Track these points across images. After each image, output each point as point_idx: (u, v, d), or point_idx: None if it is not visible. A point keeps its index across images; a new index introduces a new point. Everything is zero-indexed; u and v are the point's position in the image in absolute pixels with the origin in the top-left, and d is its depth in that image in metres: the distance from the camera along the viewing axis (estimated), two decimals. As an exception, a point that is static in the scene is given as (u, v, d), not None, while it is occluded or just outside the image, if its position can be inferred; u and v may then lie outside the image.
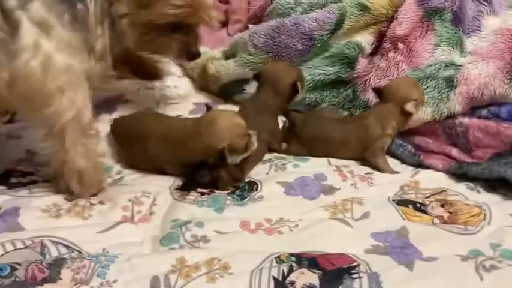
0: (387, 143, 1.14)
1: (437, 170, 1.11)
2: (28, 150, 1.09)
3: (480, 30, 1.25)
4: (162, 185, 1.00)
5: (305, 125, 1.15)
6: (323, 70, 1.27)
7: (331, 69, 1.26)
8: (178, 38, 1.06)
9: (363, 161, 1.13)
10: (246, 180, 1.03)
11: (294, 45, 1.27)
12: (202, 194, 0.98)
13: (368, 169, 1.10)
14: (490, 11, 1.27)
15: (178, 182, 1.00)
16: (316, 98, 1.29)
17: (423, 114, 1.18)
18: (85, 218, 0.91)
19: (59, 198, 0.95)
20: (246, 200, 0.97)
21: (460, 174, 1.08)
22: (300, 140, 1.14)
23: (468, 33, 1.26)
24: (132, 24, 1.01)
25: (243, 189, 1.00)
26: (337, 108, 1.27)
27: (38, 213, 0.90)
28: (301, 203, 0.98)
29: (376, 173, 1.09)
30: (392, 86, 1.16)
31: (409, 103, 1.12)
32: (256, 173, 1.06)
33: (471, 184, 1.06)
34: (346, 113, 1.26)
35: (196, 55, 1.12)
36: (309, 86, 1.27)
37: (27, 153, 1.08)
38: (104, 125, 1.13)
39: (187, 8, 1.00)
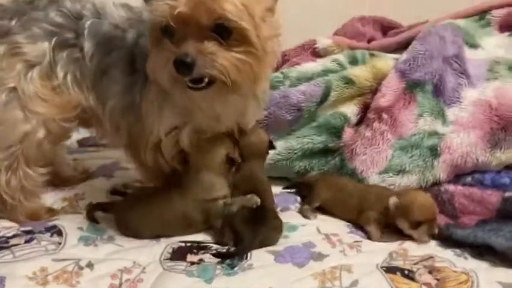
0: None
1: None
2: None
3: (460, 101, 1.30)
4: (153, 255, 1.00)
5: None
6: (311, 139, 1.31)
7: (319, 139, 1.31)
8: (164, 49, 0.92)
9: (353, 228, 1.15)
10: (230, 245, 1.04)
11: (283, 116, 1.32)
12: (192, 263, 0.98)
13: (357, 237, 1.11)
14: (469, 83, 1.32)
15: (168, 250, 1.01)
16: (306, 166, 1.33)
17: (409, 182, 1.22)
18: (73, 285, 0.90)
19: (46, 261, 0.94)
20: (235, 269, 0.96)
21: (447, 241, 1.09)
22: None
23: (449, 104, 1.30)
24: None
25: (233, 258, 1.00)
26: (326, 175, 1.31)
27: (24, 282, 0.89)
28: (291, 271, 0.97)
29: (365, 240, 1.10)
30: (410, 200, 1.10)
31: (392, 199, 1.10)
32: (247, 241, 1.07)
33: (458, 250, 1.07)
34: (335, 180, 1.29)
35: (182, 57, 0.88)
36: (298, 154, 1.32)
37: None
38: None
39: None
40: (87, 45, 1.07)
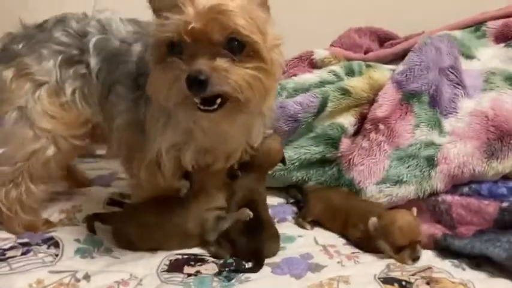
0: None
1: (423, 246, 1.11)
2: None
3: (457, 112, 1.30)
4: (149, 267, 1.00)
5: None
6: (308, 150, 1.32)
7: (316, 149, 1.32)
8: (173, 67, 0.88)
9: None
10: (234, 259, 1.04)
11: (280, 126, 1.32)
12: (189, 275, 0.97)
13: (354, 249, 1.11)
14: (465, 93, 1.33)
15: (165, 262, 1.01)
16: (303, 176, 1.33)
17: (406, 192, 1.22)
18: (69, 297, 0.90)
19: (42, 273, 0.94)
20: (232, 281, 0.96)
21: (445, 251, 1.09)
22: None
23: (445, 115, 1.31)
24: None
25: (230, 270, 1.00)
26: (324, 186, 1.31)
27: (21, 295, 0.89)
28: (288, 283, 0.97)
29: (362, 251, 1.10)
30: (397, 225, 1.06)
31: (372, 220, 1.07)
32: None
33: (456, 261, 1.07)
34: (332, 191, 1.29)
35: (194, 74, 0.83)
36: (295, 164, 1.32)
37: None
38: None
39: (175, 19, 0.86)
40: (93, 62, 1.07)
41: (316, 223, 1.21)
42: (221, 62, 0.84)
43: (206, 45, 0.85)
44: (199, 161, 1.05)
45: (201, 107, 0.86)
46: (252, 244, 1.04)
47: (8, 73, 1.06)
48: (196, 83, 0.83)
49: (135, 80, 1.05)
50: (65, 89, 1.07)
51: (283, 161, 1.22)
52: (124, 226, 1.07)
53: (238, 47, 0.86)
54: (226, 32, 0.85)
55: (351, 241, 1.14)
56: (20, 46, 1.08)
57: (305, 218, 1.21)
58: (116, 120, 1.07)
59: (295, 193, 1.35)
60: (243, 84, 0.85)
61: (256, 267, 1.01)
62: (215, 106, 0.86)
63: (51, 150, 1.06)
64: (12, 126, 1.05)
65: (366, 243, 1.10)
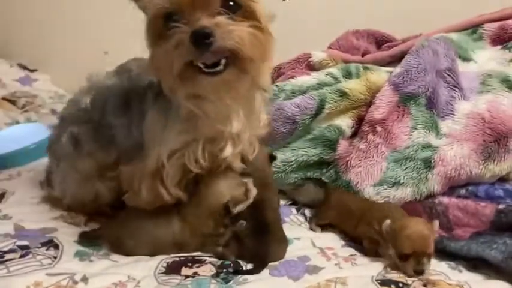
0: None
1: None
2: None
3: (453, 114, 1.31)
4: (147, 269, 1.00)
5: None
6: (306, 152, 1.32)
7: (314, 151, 1.32)
8: (175, 34, 0.87)
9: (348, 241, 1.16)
10: (232, 260, 1.04)
11: (278, 128, 1.33)
12: (187, 276, 0.98)
13: (352, 251, 1.12)
14: (462, 96, 1.33)
15: (163, 264, 1.01)
16: (301, 178, 1.33)
17: (404, 194, 1.22)
18: (67, 300, 0.90)
19: (40, 275, 0.94)
20: (230, 283, 0.96)
21: (441, 253, 1.09)
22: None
23: (442, 117, 1.31)
24: None
25: (228, 272, 1.00)
26: (321, 187, 1.31)
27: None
28: (286, 285, 0.98)
29: (359, 253, 1.10)
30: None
31: (386, 222, 1.04)
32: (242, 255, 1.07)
33: (453, 263, 1.07)
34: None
35: (199, 31, 0.83)
36: (293, 166, 1.32)
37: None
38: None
39: None
40: (96, 115, 1.12)
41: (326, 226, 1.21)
42: (222, 19, 0.85)
43: (204, 7, 0.85)
44: (208, 157, 1.02)
45: (206, 70, 0.86)
46: (257, 246, 1.04)
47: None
48: (202, 37, 0.82)
49: (124, 107, 1.07)
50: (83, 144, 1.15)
51: (272, 158, 1.22)
52: (118, 234, 1.07)
53: (235, 7, 0.87)
54: None
55: (349, 243, 1.15)
56: None
57: (318, 221, 1.21)
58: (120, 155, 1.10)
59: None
60: (247, 39, 0.85)
61: (257, 269, 1.01)
62: (221, 67, 0.86)
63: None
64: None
65: (370, 246, 1.10)
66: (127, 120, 1.06)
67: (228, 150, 1.02)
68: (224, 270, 1.00)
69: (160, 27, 0.88)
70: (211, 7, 0.85)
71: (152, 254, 1.05)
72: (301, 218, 1.27)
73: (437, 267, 1.05)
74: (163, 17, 0.88)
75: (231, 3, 0.87)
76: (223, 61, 0.86)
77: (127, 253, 1.05)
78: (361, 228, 1.13)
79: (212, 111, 0.97)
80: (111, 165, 1.11)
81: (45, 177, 1.30)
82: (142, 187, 1.02)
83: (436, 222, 1.06)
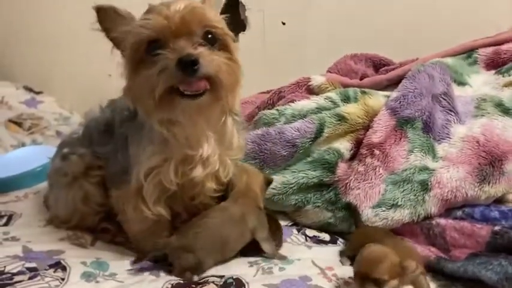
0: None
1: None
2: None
3: (449, 138, 1.34)
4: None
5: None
6: (306, 174, 1.35)
7: (314, 173, 1.34)
8: (159, 60, 0.93)
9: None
10: (235, 277, 1.06)
11: (278, 151, 1.36)
12: (191, 295, 1.00)
13: (351, 273, 1.14)
14: (457, 120, 1.37)
15: (167, 286, 1.03)
16: (301, 200, 1.35)
17: (401, 216, 1.25)
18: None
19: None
20: (233, 302, 0.99)
21: (438, 275, 1.12)
22: None
23: (438, 140, 1.35)
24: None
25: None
26: (321, 209, 1.33)
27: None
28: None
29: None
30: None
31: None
32: (244, 274, 1.09)
33: (449, 282, 1.09)
34: (329, 214, 1.32)
35: (186, 57, 0.91)
36: (293, 188, 1.34)
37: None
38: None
39: (152, 21, 0.94)
40: (86, 144, 1.22)
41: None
42: (204, 49, 0.94)
43: (187, 37, 0.94)
44: (180, 175, 1.07)
45: (188, 93, 0.94)
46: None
47: None
48: (190, 64, 0.91)
49: (106, 136, 1.16)
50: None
51: (268, 182, 1.27)
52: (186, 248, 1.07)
53: (213, 40, 0.97)
54: (203, 23, 0.96)
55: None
56: None
57: (346, 253, 1.21)
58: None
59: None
60: (223, 67, 0.96)
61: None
62: (201, 91, 0.95)
63: None
64: None
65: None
66: (112, 147, 1.14)
67: (198, 171, 1.08)
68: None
69: (141, 54, 0.96)
70: (194, 38, 0.95)
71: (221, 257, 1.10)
72: (302, 238, 1.29)
73: (434, 289, 1.07)
74: (146, 44, 0.95)
75: (210, 36, 0.97)
76: (206, 86, 0.95)
77: (199, 262, 1.06)
78: None
79: (183, 136, 1.04)
80: (96, 166, 1.19)
81: (43, 201, 1.36)
82: (128, 207, 1.09)
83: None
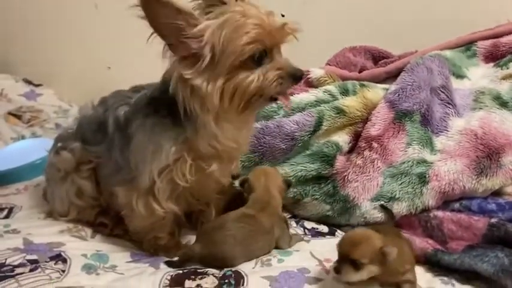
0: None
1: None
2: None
3: (447, 130, 1.35)
4: (151, 282, 1.03)
5: None
6: (304, 167, 1.35)
7: (312, 166, 1.35)
8: (268, 67, 0.99)
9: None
10: (234, 269, 1.07)
11: (277, 145, 1.36)
12: (190, 288, 1.01)
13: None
14: (455, 112, 1.38)
15: (167, 277, 1.04)
16: (300, 192, 1.36)
17: (399, 208, 1.26)
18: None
19: (50, 288, 0.97)
20: (232, 294, 1.00)
21: (435, 268, 1.13)
22: None
23: (437, 133, 1.35)
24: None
25: (230, 283, 1.03)
26: (320, 202, 1.34)
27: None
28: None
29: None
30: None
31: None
32: (243, 266, 1.10)
33: (446, 278, 1.10)
34: (328, 206, 1.33)
35: (299, 72, 1.01)
36: (292, 181, 1.35)
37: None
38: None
39: (258, 29, 0.96)
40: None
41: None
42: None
43: (279, 50, 1.01)
44: (194, 172, 1.07)
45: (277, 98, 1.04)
46: None
47: None
48: (299, 78, 1.02)
49: (100, 133, 1.17)
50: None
51: (289, 184, 1.29)
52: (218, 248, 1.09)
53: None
54: (288, 35, 1.01)
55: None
56: None
57: None
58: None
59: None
60: None
61: None
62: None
63: None
64: None
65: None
66: (105, 146, 1.16)
67: (215, 166, 1.09)
68: (226, 281, 1.03)
69: (244, 60, 0.97)
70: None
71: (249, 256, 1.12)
72: (300, 230, 1.30)
73: (431, 283, 1.08)
74: (250, 53, 0.96)
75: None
76: None
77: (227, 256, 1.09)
78: None
79: (230, 132, 1.07)
80: (87, 161, 1.21)
81: (42, 194, 1.38)
82: (139, 204, 1.09)
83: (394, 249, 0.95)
